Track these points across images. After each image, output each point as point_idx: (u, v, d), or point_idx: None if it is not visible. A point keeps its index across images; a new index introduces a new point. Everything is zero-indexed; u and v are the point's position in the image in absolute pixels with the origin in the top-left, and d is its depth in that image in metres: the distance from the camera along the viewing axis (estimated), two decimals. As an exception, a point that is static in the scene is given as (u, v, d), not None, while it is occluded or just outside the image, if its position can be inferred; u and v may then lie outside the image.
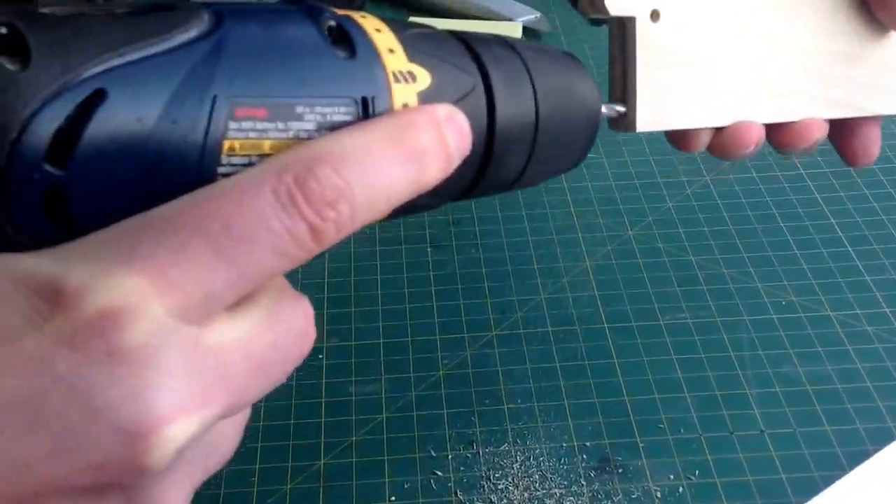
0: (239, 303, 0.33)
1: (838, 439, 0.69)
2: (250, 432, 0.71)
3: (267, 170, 0.32)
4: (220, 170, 0.33)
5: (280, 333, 0.34)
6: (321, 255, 0.81)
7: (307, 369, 0.76)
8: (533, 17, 1.19)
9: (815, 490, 0.66)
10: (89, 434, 0.29)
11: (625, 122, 0.52)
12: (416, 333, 0.78)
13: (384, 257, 0.86)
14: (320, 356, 0.77)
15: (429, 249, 0.86)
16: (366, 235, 0.88)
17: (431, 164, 0.36)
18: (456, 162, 0.37)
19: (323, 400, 0.73)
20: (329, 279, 0.83)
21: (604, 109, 0.50)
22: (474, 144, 0.39)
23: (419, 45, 0.39)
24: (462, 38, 0.42)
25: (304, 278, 0.84)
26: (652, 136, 0.97)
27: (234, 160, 0.34)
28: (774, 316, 0.79)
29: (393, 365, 0.76)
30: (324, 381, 0.75)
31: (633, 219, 0.89)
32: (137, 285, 0.30)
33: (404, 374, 0.75)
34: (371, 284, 0.83)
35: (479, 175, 0.43)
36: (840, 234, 0.86)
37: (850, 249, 0.84)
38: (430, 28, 0.41)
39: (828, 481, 0.66)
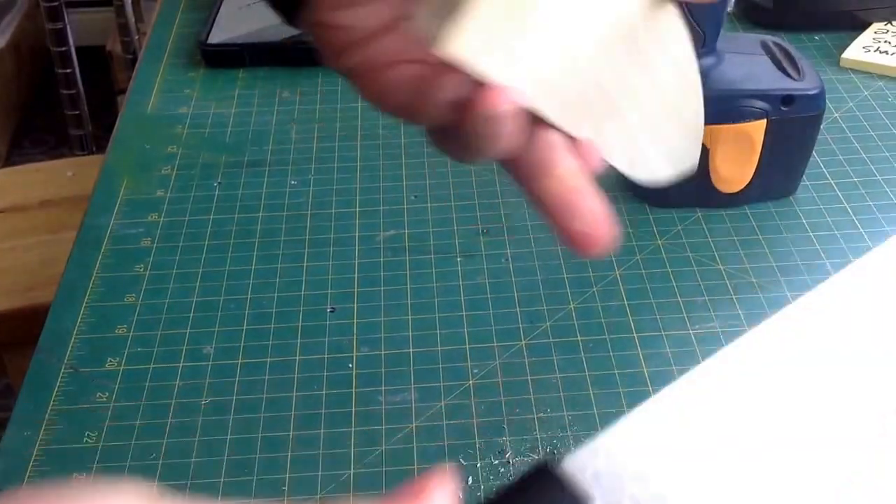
0: None
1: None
2: (280, 442, 0.71)
3: None
4: None
5: None
6: (350, 266, 0.82)
7: (337, 379, 0.76)
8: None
9: None
10: None
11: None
12: (445, 343, 0.79)
13: (413, 267, 0.86)
14: (350, 366, 0.77)
15: (458, 259, 0.87)
16: (396, 245, 0.88)
17: None
18: None
19: (353, 409, 0.74)
20: (359, 289, 0.84)
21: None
22: None
23: None
24: None
25: (332, 288, 0.84)
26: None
27: None
28: (798, 326, 0.78)
29: (423, 374, 0.76)
30: (354, 390, 0.75)
31: (662, 228, 0.89)
32: None
33: (434, 383, 0.75)
34: (401, 294, 0.83)
35: None
36: (868, 243, 0.86)
37: (880, 258, 0.84)
38: None
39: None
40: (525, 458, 0.70)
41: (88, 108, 2.10)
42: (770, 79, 0.86)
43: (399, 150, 1.01)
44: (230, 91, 1.12)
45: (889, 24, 1.15)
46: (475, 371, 0.76)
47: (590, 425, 0.72)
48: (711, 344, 0.77)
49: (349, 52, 0.47)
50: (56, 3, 1.95)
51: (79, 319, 0.82)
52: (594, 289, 0.83)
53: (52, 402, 0.75)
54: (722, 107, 0.84)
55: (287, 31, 1.17)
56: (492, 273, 0.85)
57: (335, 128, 1.05)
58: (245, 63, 1.16)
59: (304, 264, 0.87)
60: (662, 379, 0.75)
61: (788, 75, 0.87)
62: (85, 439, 0.72)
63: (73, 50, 2.01)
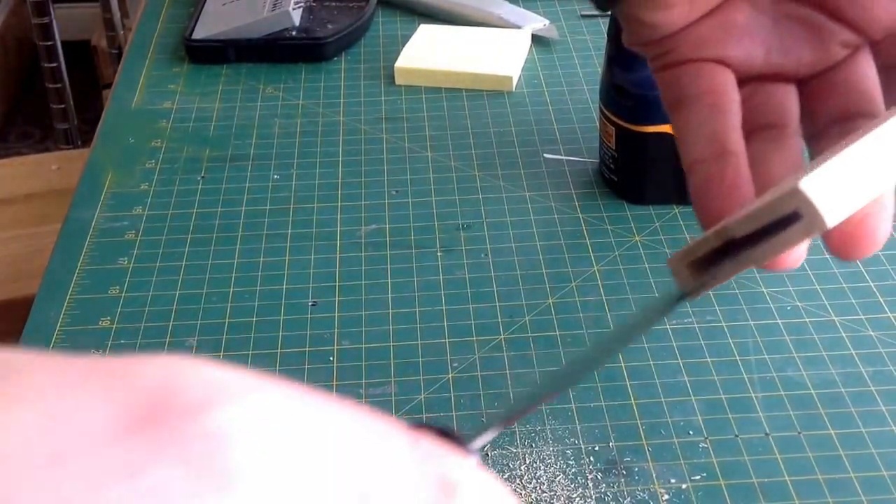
0: None
1: (842, 442, 0.70)
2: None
3: None
4: None
5: None
6: (332, 260, 0.83)
7: (319, 372, 0.77)
8: (542, 24, 1.20)
9: (819, 492, 0.67)
10: None
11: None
12: (425, 337, 0.80)
13: (395, 261, 0.87)
14: (331, 359, 0.78)
15: (439, 254, 0.87)
16: (377, 240, 0.89)
17: None
18: None
19: (334, 402, 0.74)
20: (341, 283, 0.85)
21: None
22: None
23: None
24: None
25: (314, 282, 0.85)
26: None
27: None
28: (779, 321, 0.80)
29: (403, 368, 0.77)
30: (335, 383, 0.76)
31: (640, 224, 0.90)
32: None
33: (414, 376, 0.76)
34: (382, 288, 0.84)
35: None
36: (845, 240, 0.87)
37: (854, 256, 0.85)
38: None
39: (831, 484, 0.67)
40: (503, 451, 0.71)
41: (74, 103, 2.10)
42: None
43: (381, 146, 1.02)
44: (214, 86, 1.13)
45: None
46: (455, 365, 0.77)
47: (567, 419, 0.73)
48: (688, 339, 0.78)
49: (654, 45, 0.53)
50: (42, -1, 1.95)
51: (63, 311, 0.83)
52: (573, 284, 0.84)
53: (35, 394, 0.75)
54: None
55: (270, 28, 1.18)
56: (472, 268, 0.86)
57: (318, 123, 1.06)
58: (229, 59, 1.17)
59: (287, 258, 0.88)
60: (639, 373, 0.76)
61: None
62: (68, 430, 0.73)
63: (58, 44, 2.01)
